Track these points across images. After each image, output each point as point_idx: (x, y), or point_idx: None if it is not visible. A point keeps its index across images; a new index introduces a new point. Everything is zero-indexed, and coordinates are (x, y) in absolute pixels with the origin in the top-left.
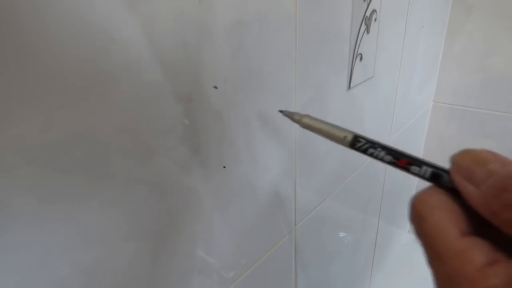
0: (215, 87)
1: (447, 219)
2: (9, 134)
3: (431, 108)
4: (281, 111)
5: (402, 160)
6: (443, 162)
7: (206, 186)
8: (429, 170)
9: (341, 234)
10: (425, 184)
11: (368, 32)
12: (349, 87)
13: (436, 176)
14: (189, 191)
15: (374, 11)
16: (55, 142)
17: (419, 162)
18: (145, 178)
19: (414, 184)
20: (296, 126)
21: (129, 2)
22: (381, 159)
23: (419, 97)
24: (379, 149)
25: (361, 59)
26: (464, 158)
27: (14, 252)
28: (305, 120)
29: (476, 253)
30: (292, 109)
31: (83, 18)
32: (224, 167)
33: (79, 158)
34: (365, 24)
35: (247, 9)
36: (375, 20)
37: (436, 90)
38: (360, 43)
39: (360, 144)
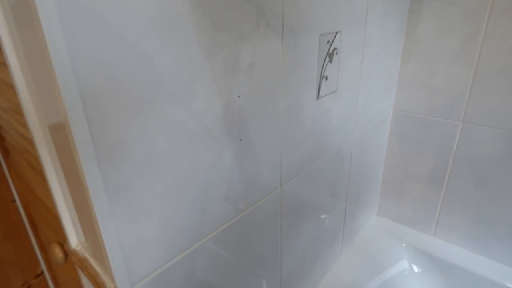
0: (238, 96)
1: None
2: None
3: (391, 114)
4: None
5: None
6: (401, 152)
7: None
8: None
9: (314, 200)
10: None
11: (331, 62)
12: (318, 97)
13: None
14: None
15: (335, 48)
16: None
17: None
18: None
19: (380, 170)
20: (281, 120)
21: None
22: None
23: (380, 106)
24: None
25: (326, 79)
26: None
27: None
28: None
29: None
30: (278, 109)
31: None
32: (241, 139)
33: None
34: (329, 57)
35: (257, 56)
36: (336, 54)
37: (395, 100)
38: (325, 69)
39: None
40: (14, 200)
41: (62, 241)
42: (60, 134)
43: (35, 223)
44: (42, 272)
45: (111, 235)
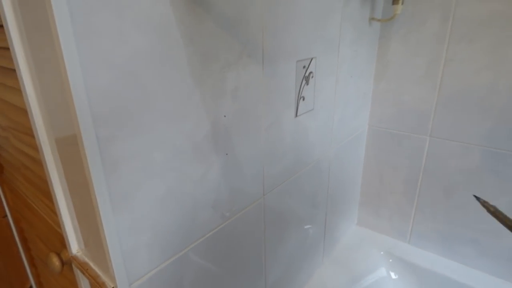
0: (224, 116)
1: None
2: None
3: (367, 129)
4: (476, 197)
5: None
6: (377, 165)
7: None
8: None
9: (295, 210)
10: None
11: (307, 84)
12: (296, 115)
13: None
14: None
15: (311, 72)
16: None
17: None
18: None
19: (358, 182)
20: (262, 134)
21: None
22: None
23: (355, 122)
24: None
25: (303, 99)
26: None
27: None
28: (492, 209)
29: None
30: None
31: None
32: (227, 154)
33: None
34: (305, 80)
35: (241, 81)
36: (312, 77)
37: (370, 117)
38: (302, 90)
39: None
40: (5, 216)
41: (59, 251)
42: (70, 150)
43: (26, 238)
44: (31, 287)
45: (114, 239)
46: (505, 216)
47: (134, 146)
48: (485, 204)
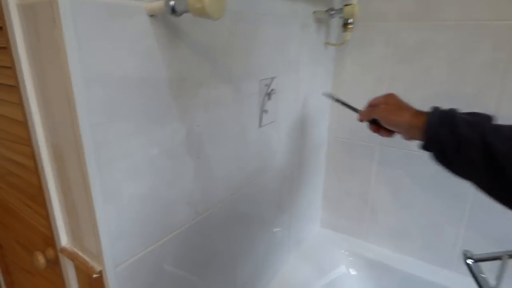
0: (197, 125)
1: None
2: None
3: (327, 138)
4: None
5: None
6: (336, 171)
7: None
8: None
9: (262, 211)
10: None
11: (270, 99)
12: (260, 126)
13: None
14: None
15: (273, 89)
16: None
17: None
18: None
19: (320, 187)
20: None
21: None
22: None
23: (316, 132)
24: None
25: (266, 112)
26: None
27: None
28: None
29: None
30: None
31: None
32: (199, 157)
33: None
34: (267, 95)
35: (211, 97)
36: (274, 93)
37: (329, 128)
38: (265, 104)
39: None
40: None
41: (43, 250)
42: (69, 154)
43: (1, 245)
44: None
45: (104, 228)
46: (346, 103)
47: (122, 149)
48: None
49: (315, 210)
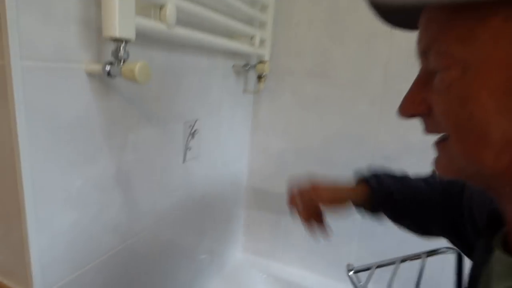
0: (126, 162)
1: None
2: None
3: (246, 171)
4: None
5: None
6: (255, 200)
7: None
8: None
9: (185, 238)
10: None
11: (193, 138)
12: (184, 161)
13: None
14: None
15: (196, 129)
16: None
17: None
18: None
19: (241, 215)
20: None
21: None
22: None
23: (236, 166)
24: None
25: (190, 149)
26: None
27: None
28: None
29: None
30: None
31: None
32: (127, 190)
33: None
34: (191, 135)
35: (139, 137)
36: (197, 133)
37: (248, 162)
38: (189, 142)
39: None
40: None
41: None
42: (5, 188)
43: None
44: None
45: (35, 256)
46: None
47: (60, 181)
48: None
49: (236, 236)
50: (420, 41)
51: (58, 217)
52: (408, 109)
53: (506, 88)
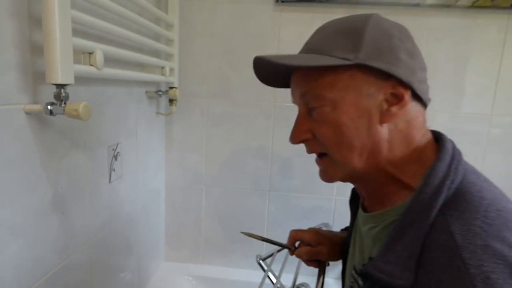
0: (61, 187)
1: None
2: None
3: (164, 185)
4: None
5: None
6: (174, 211)
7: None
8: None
9: (115, 254)
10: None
11: (116, 160)
12: (110, 182)
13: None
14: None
15: (118, 152)
16: None
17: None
18: None
19: (163, 227)
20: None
21: None
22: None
23: (154, 182)
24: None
25: (114, 170)
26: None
27: None
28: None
29: None
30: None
31: None
32: (63, 213)
33: None
34: (114, 157)
35: (70, 164)
36: (119, 155)
37: (166, 177)
38: (113, 164)
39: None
40: None
41: None
42: None
43: None
44: None
45: None
46: (266, 238)
47: (2, 214)
48: (251, 235)
49: (159, 247)
50: (296, 89)
51: (6, 245)
52: (298, 137)
53: (357, 115)
